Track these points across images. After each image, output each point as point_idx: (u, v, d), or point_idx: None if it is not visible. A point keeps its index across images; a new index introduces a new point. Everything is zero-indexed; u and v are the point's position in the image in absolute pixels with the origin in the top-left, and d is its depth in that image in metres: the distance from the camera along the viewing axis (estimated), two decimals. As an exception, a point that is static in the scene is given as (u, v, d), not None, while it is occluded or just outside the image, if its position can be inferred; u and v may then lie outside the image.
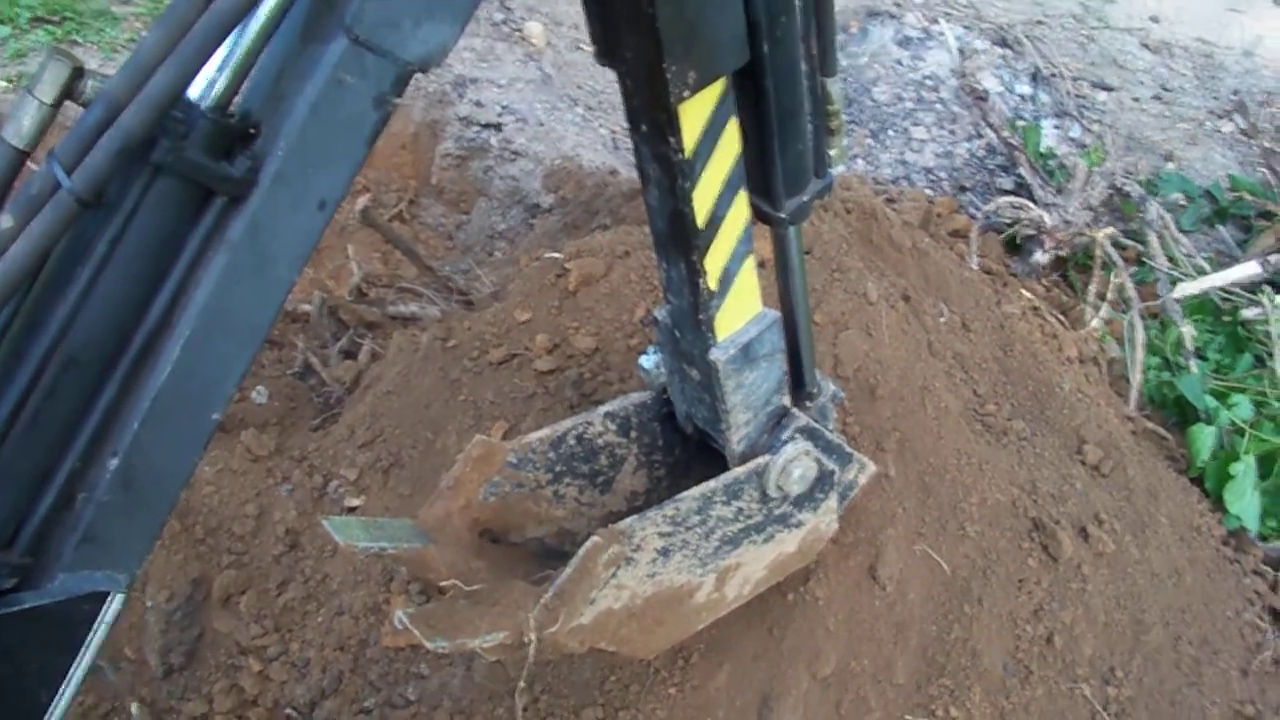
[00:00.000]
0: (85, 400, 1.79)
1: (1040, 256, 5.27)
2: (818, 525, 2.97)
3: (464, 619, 2.49)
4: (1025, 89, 6.76)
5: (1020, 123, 6.34)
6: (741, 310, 2.60)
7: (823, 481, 2.83)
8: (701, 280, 2.46)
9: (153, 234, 1.75)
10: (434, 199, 6.04)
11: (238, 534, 3.81)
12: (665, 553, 2.66)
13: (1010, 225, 5.42)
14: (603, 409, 2.98)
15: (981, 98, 6.41)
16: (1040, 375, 4.29)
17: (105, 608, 1.85)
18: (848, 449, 2.99)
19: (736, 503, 2.73)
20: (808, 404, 2.98)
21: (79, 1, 7.09)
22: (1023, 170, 5.85)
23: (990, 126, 6.20)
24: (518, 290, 4.11)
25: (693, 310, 2.53)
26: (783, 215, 2.55)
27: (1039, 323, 4.73)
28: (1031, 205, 5.45)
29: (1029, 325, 4.63)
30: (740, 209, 2.44)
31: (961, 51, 6.91)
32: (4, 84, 6.43)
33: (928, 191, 5.84)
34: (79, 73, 1.63)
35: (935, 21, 7.26)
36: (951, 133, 6.38)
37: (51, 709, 1.83)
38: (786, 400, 2.85)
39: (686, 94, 2.13)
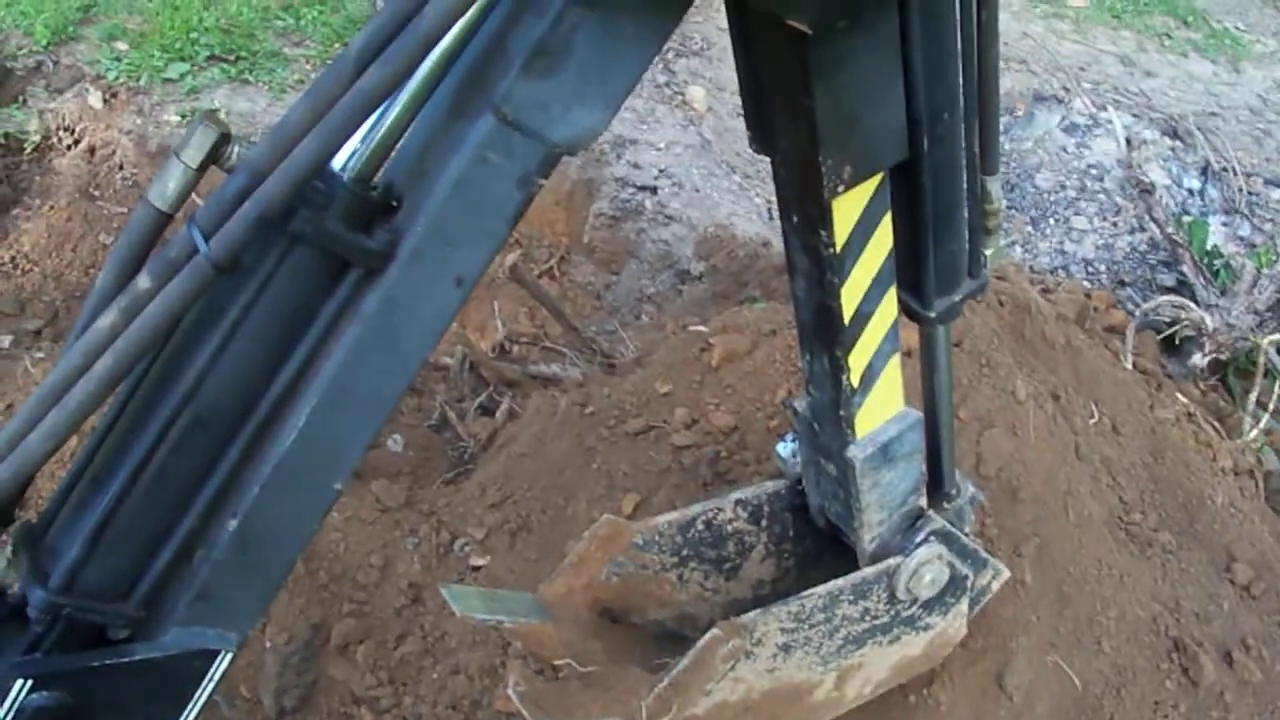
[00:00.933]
0: (209, 461, 1.80)
1: (1199, 359, 5.11)
2: (946, 629, 2.89)
3: (575, 702, 2.47)
4: (1194, 183, 6.59)
5: (1186, 218, 6.18)
6: (883, 409, 2.53)
7: (954, 586, 2.77)
8: (844, 377, 2.40)
9: (286, 302, 1.76)
10: (585, 258, 6.07)
11: (361, 583, 3.84)
12: (787, 649, 2.61)
13: (1169, 325, 5.26)
14: (734, 495, 2.94)
15: (1147, 190, 6.25)
16: (1191, 486, 4.15)
17: (215, 666, 1.86)
18: (983, 554, 2.91)
19: (864, 603, 2.67)
20: (945, 505, 2.89)
21: (253, 42, 7.30)
22: (1186, 268, 5.68)
23: (1154, 220, 6.04)
24: (660, 361, 4.10)
25: (833, 406, 2.48)
26: (932, 315, 2.47)
27: (1193, 429, 4.57)
28: (1193, 305, 5.29)
29: (1182, 432, 4.48)
30: (889, 307, 2.37)
31: (1129, 141, 6.77)
32: (178, 118, 6.64)
33: (1085, 284, 5.70)
34: (225, 138, 1.67)
35: (1103, 109, 7.12)
36: (1114, 225, 6.24)
37: None
38: (923, 502, 2.77)
39: (841, 189, 2.06)
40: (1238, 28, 8.75)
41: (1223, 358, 5.20)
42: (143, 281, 1.62)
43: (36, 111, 6.81)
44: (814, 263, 2.25)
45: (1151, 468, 4.13)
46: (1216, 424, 4.78)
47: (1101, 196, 6.37)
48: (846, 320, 2.31)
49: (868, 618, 2.70)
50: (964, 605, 2.87)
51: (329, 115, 1.59)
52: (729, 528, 2.94)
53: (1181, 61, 8.13)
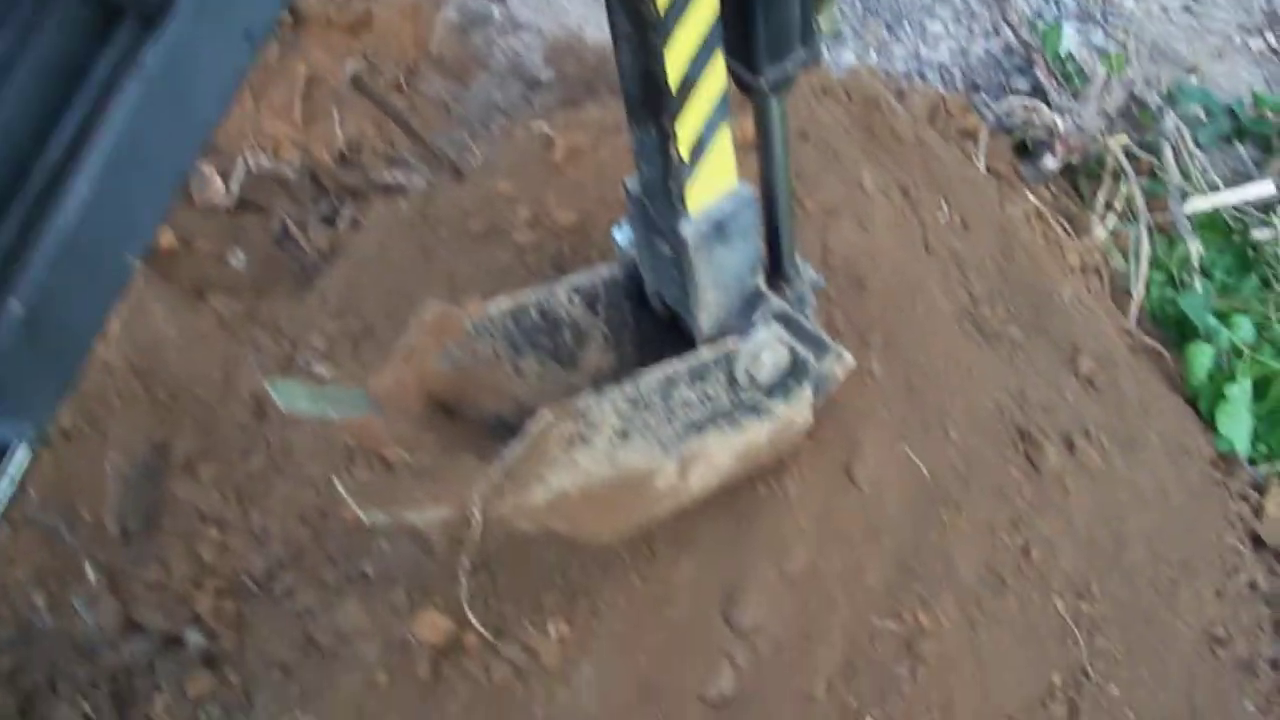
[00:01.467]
0: None
1: (1050, 162, 5.10)
2: (791, 417, 2.85)
3: (405, 492, 2.40)
4: (1050, -11, 6.55)
5: (1040, 23, 6.14)
6: (715, 184, 2.44)
7: (796, 370, 2.71)
8: (672, 147, 2.30)
9: (52, 56, 1.58)
10: (433, 70, 5.85)
11: (202, 399, 3.72)
12: (623, 434, 2.55)
13: (1022, 128, 5.25)
14: (568, 282, 2.84)
15: (1003, -5, 6.20)
16: (1040, 283, 4.16)
17: (7, 460, 1.70)
18: (825, 339, 2.85)
19: (702, 386, 2.62)
20: (785, 289, 2.86)
21: None
22: (1039, 72, 5.65)
23: (1009, 25, 5.99)
24: (502, 161, 3.98)
25: (663, 179, 2.39)
26: (764, 83, 2.41)
27: (1043, 229, 4.59)
28: (1045, 108, 5.27)
29: (1032, 231, 4.50)
30: (717, 72, 2.27)
31: (985, -54, 6.68)
32: None
33: (940, 88, 5.66)
34: None
35: (961, -86, 7.01)
36: (969, 30, 6.18)
37: None
38: (761, 283, 2.72)
39: None
40: None
41: (1073, 160, 5.20)
42: None
43: None
44: (636, 25, 2.12)
45: (1000, 264, 4.13)
46: (1066, 224, 4.81)
47: (958, 2, 6.29)
48: (673, 87, 2.21)
49: (707, 402, 2.65)
50: (808, 392, 2.81)
51: None
52: (564, 314, 2.85)
53: None
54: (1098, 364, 4.01)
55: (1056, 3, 6.44)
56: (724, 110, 2.34)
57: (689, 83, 2.23)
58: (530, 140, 3.96)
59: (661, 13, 2.08)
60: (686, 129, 2.30)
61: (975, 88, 5.87)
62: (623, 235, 2.89)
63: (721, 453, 2.78)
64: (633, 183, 2.55)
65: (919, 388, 3.45)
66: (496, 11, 5.82)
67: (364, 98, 4.97)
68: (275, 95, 5.66)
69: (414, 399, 2.64)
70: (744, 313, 2.67)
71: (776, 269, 2.84)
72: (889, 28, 6.17)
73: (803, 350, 2.70)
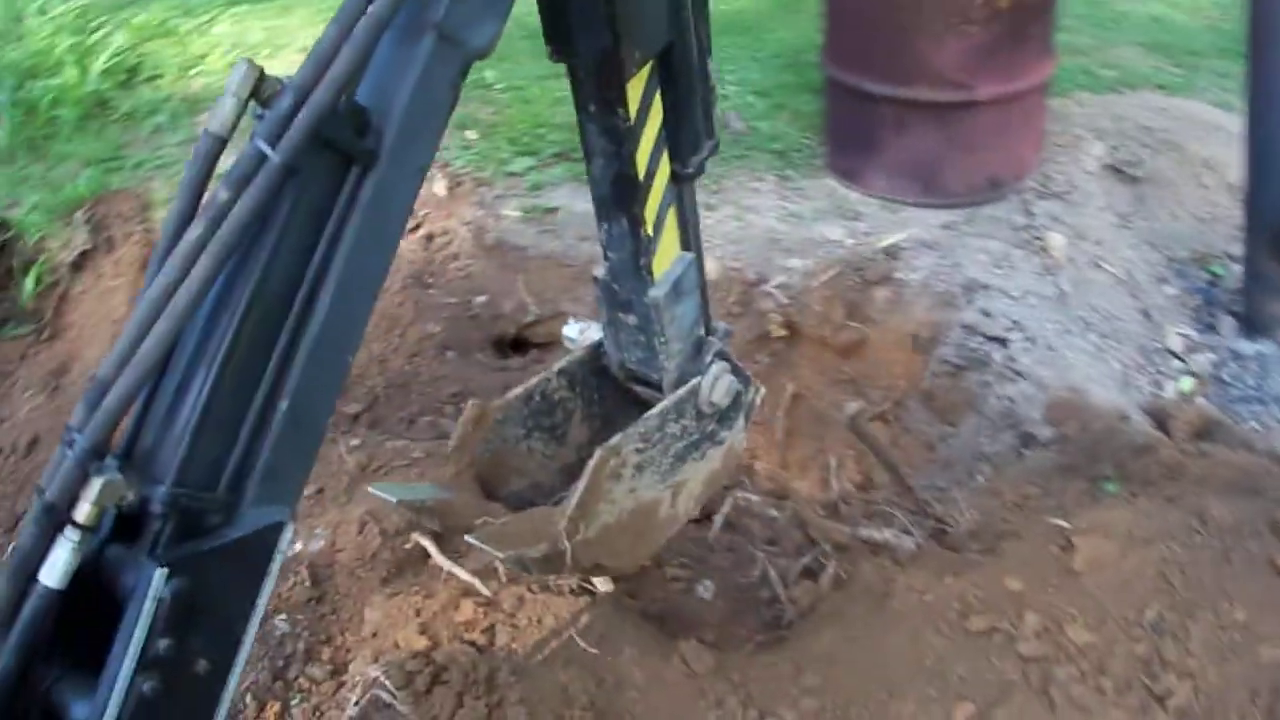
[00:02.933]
0: (269, 350, 2.02)
1: None
2: (733, 442, 3.47)
3: (515, 535, 2.97)
4: None
5: None
6: (669, 253, 3.15)
7: (737, 400, 3.35)
8: (642, 229, 2.99)
9: (317, 199, 2.05)
10: (921, 406, 5.66)
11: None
12: (640, 468, 3.09)
13: None
14: (556, 366, 3.47)
15: None
16: None
17: (282, 538, 2.07)
18: (747, 374, 3.48)
19: (682, 421, 3.20)
20: (714, 336, 3.42)
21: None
22: None
23: None
24: (1011, 553, 3.67)
25: (633, 259, 3.06)
26: (689, 171, 3.10)
27: None
28: None
29: None
30: (665, 165, 3.01)
31: None
32: (518, 214, 6.58)
33: None
34: (262, 74, 1.96)
35: None
36: None
37: (246, 636, 2.03)
38: (703, 332, 3.34)
39: (634, 71, 2.72)
40: None
41: None
42: (221, 194, 1.88)
43: None
44: (612, 140, 2.85)
45: None
46: None
47: None
48: (640, 179, 2.91)
49: (685, 435, 3.22)
50: (743, 420, 3.47)
51: (352, 35, 1.95)
52: (556, 396, 3.45)
53: None
54: None
55: None
56: (670, 194, 3.08)
57: (650, 174, 2.96)
58: (1044, 534, 3.64)
59: (632, 123, 2.81)
60: (650, 211, 3.01)
61: None
62: (573, 330, 3.62)
63: (695, 480, 3.33)
64: (600, 271, 3.19)
65: None
66: (997, 356, 5.58)
67: (858, 439, 4.81)
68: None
69: (470, 484, 3.27)
70: (697, 358, 3.31)
71: (705, 320, 3.42)
72: None
73: (739, 382, 3.36)
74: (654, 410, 3.12)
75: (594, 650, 3.68)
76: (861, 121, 6.72)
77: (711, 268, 5.95)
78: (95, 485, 1.78)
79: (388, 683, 3.70)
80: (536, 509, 3.13)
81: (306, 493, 4.73)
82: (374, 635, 4.09)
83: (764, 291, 5.86)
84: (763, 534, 4.50)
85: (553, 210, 6.60)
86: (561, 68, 2.75)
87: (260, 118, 1.93)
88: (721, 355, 3.35)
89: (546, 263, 6.25)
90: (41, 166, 7.13)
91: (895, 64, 6.40)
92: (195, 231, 1.84)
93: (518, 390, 3.34)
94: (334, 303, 2.04)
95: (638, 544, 3.26)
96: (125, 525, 1.91)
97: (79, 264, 6.58)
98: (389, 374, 5.81)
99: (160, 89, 8.12)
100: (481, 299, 6.15)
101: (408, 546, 4.27)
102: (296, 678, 3.99)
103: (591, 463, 2.92)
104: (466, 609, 3.93)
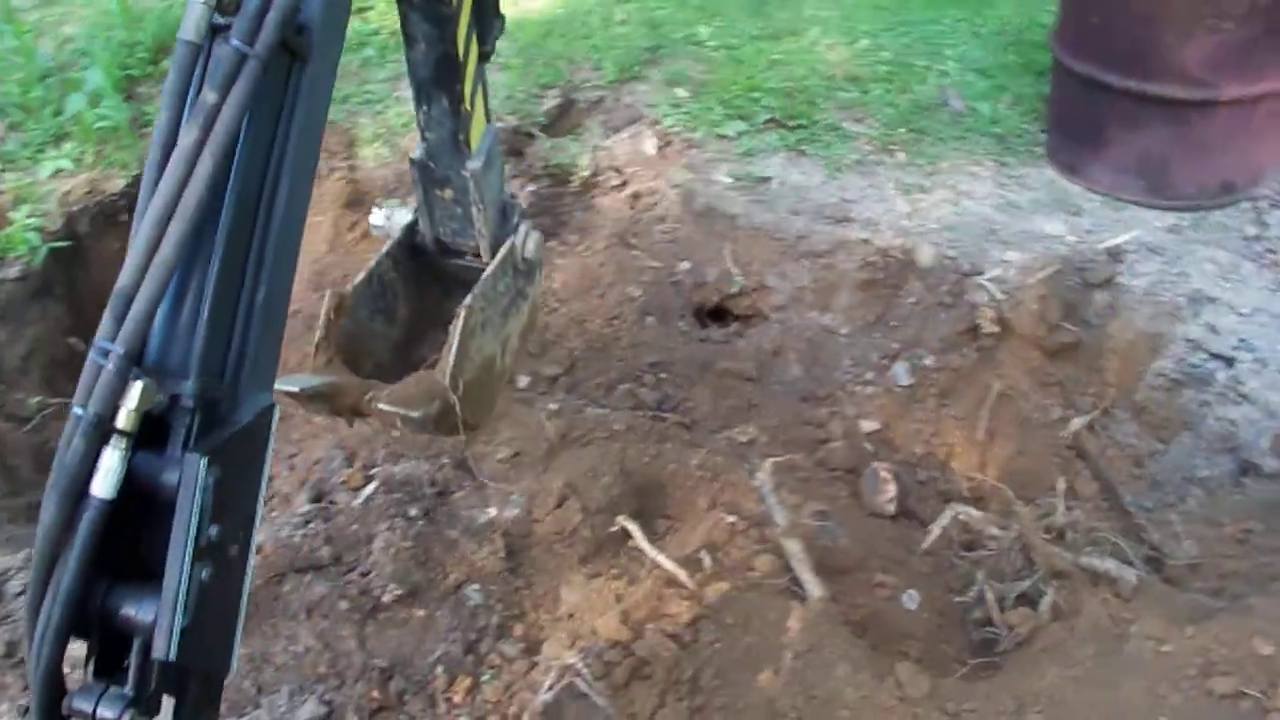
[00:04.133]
0: (249, 242, 2.08)
1: None
2: (535, 297, 3.70)
3: (410, 398, 3.09)
4: None
5: None
6: (479, 125, 3.36)
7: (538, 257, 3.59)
8: (462, 105, 3.21)
9: (278, 94, 2.11)
10: (1130, 416, 5.43)
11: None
12: (484, 325, 3.29)
13: None
14: (384, 249, 3.58)
15: None
16: None
17: (273, 420, 2.14)
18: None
19: (505, 279, 3.41)
20: (514, 200, 3.70)
21: (814, 110, 7.05)
22: None
23: None
24: (1260, 612, 3.47)
25: (452, 136, 3.28)
26: (489, 49, 3.33)
27: None
28: None
29: None
30: (475, 45, 3.23)
31: None
32: (728, 179, 6.44)
33: None
34: None
35: None
36: None
37: (257, 516, 2.10)
38: (508, 195, 3.60)
39: None
40: None
41: None
42: (209, 96, 1.92)
43: (590, 146, 6.81)
44: (435, 25, 3.08)
45: None
46: None
47: None
48: (460, 59, 3.13)
49: (508, 291, 3.43)
50: (539, 275, 3.70)
51: None
52: (386, 278, 3.55)
53: None
54: None
55: None
56: (479, 70, 3.31)
57: (466, 54, 3.17)
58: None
59: (453, 7, 3.05)
60: (468, 86, 3.22)
61: None
62: (377, 217, 3.72)
63: (515, 335, 3.53)
64: (417, 153, 3.39)
65: None
66: (1221, 375, 5.32)
67: (1078, 455, 4.63)
68: (960, 403, 5.44)
69: (340, 367, 3.30)
70: (505, 221, 3.53)
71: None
72: None
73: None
74: (487, 271, 3.31)
75: (803, 661, 3.59)
76: (1090, 112, 6.43)
77: (927, 254, 5.79)
78: (136, 390, 1.82)
79: (585, 671, 3.66)
80: (412, 375, 3.25)
81: (502, 454, 4.75)
82: (570, 616, 4.07)
83: (977, 283, 5.66)
84: (977, 551, 4.35)
85: (765, 179, 6.45)
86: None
87: (224, 27, 1.97)
88: (524, 214, 3.65)
89: (756, 234, 6.10)
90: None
91: (1135, 56, 6.10)
92: (190, 136, 1.90)
93: (361, 275, 3.46)
94: (290, 192, 2.13)
95: (485, 399, 3.44)
96: (145, 431, 1.94)
97: (280, 196, 6.57)
98: (588, 336, 5.73)
99: (369, 21, 8.12)
100: (685, 265, 6.05)
101: (611, 529, 4.26)
102: (488, 653, 3.99)
103: (457, 322, 3.13)
104: (670, 601, 3.88)
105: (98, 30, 7.63)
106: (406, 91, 7.16)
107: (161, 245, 1.88)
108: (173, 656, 1.81)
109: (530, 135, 6.93)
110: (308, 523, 4.37)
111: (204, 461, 1.85)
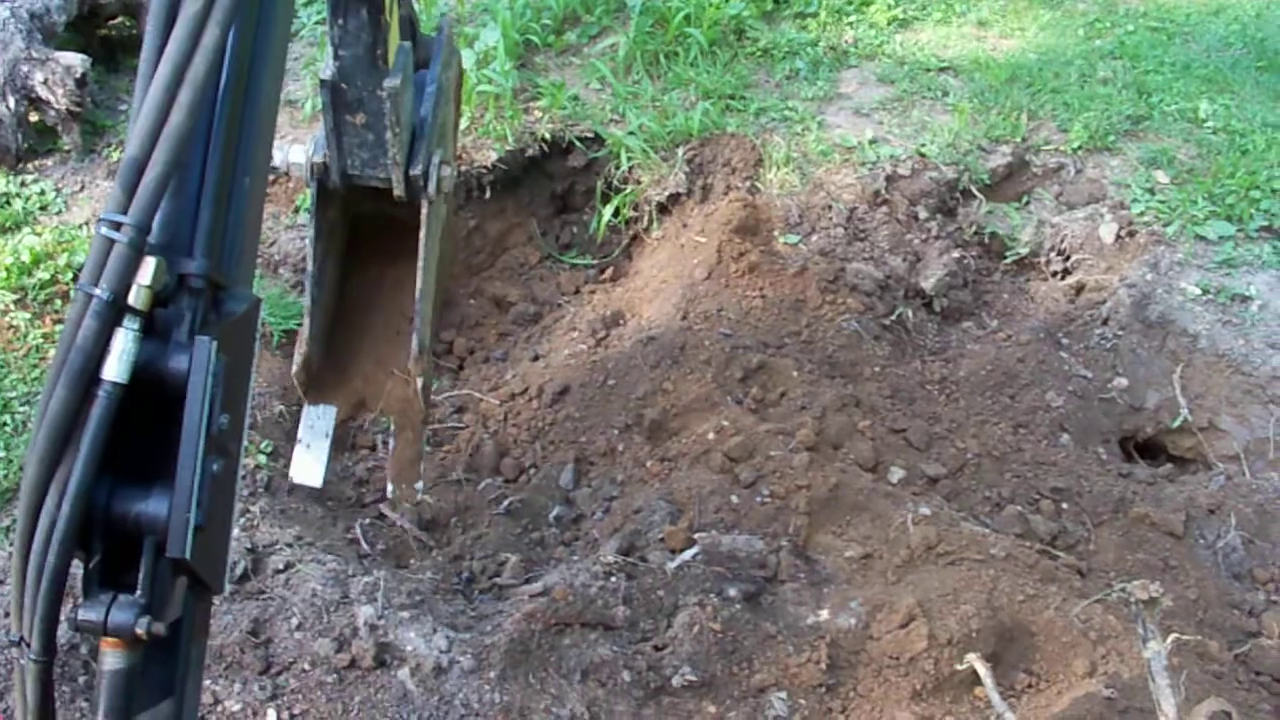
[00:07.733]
0: (238, 125, 2.04)
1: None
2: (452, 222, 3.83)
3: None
4: None
5: None
6: (394, 41, 3.04)
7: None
8: (383, 16, 2.90)
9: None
10: None
11: None
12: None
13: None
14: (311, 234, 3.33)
15: None
16: None
17: (260, 313, 2.07)
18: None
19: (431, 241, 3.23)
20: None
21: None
22: None
23: None
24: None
25: (369, 52, 2.93)
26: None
27: None
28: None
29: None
30: None
31: None
32: (1197, 290, 5.16)
33: None
34: None
35: None
36: None
37: (249, 399, 2.06)
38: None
39: None
40: None
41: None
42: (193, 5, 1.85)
43: (1036, 220, 5.88)
44: None
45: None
46: None
47: None
48: None
49: (435, 232, 3.26)
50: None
51: None
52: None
53: None
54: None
55: None
56: None
57: None
58: None
59: None
60: None
61: None
62: (300, 155, 3.23)
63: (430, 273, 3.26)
64: (327, 73, 3.00)
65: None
66: None
67: None
68: None
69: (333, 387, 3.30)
70: (415, 145, 3.22)
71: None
72: None
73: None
74: (422, 235, 3.20)
75: None
76: None
77: None
78: (150, 265, 1.76)
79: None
80: (392, 377, 3.25)
81: (852, 552, 4.23)
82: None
83: None
84: None
85: (1244, 299, 5.39)
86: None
87: None
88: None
89: (1217, 362, 5.15)
90: (656, 86, 6.44)
91: None
92: (194, 6, 1.86)
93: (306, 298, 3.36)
94: (270, 79, 2.12)
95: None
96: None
97: (666, 206, 5.90)
98: (985, 439, 4.89)
99: (808, 29, 7.24)
100: (1122, 382, 5.18)
101: (959, 667, 3.72)
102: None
103: (419, 298, 3.10)
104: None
105: (507, -14, 7.07)
106: (835, 116, 6.48)
107: (172, 113, 1.82)
108: (188, 555, 1.76)
109: (968, 193, 6.05)
110: (609, 575, 3.97)
111: (214, 345, 1.80)
